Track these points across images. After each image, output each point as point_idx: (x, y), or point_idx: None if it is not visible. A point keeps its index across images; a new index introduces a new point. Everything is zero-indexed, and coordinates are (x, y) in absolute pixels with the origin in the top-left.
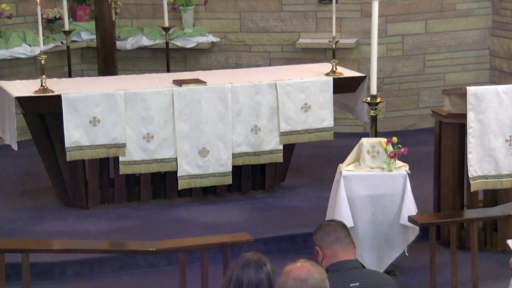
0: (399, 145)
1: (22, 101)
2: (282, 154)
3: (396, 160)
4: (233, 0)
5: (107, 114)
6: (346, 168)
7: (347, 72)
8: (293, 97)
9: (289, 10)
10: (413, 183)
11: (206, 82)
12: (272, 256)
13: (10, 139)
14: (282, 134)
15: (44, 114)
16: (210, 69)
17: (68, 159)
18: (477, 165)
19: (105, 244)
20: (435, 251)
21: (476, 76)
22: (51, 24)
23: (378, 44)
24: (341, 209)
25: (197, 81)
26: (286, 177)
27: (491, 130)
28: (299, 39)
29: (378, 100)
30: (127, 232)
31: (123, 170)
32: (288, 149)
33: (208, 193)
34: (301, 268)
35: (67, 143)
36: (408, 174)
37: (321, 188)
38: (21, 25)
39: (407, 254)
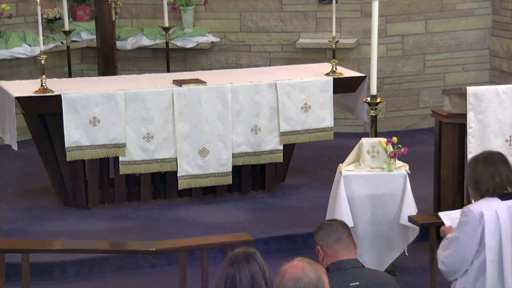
0: (399, 145)
1: (22, 101)
2: (282, 154)
3: (396, 160)
4: (233, 0)
5: (107, 114)
6: (346, 168)
7: (347, 72)
8: (293, 97)
9: (289, 10)
10: (413, 183)
11: (206, 82)
12: (272, 256)
13: (10, 139)
14: (282, 134)
15: (44, 114)
16: (210, 69)
17: (68, 159)
18: None
19: (105, 244)
20: (435, 251)
21: (476, 76)
22: (51, 24)
23: (378, 44)
24: (341, 209)
25: (197, 81)
26: (286, 177)
27: (491, 130)
28: (299, 39)
29: (378, 100)
30: (127, 232)
31: (123, 170)
32: (288, 149)
33: (208, 193)
34: (295, 267)
35: (67, 143)
36: (408, 174)
37: (321, 188)
38: (21, 25)
39: (407, 254)
